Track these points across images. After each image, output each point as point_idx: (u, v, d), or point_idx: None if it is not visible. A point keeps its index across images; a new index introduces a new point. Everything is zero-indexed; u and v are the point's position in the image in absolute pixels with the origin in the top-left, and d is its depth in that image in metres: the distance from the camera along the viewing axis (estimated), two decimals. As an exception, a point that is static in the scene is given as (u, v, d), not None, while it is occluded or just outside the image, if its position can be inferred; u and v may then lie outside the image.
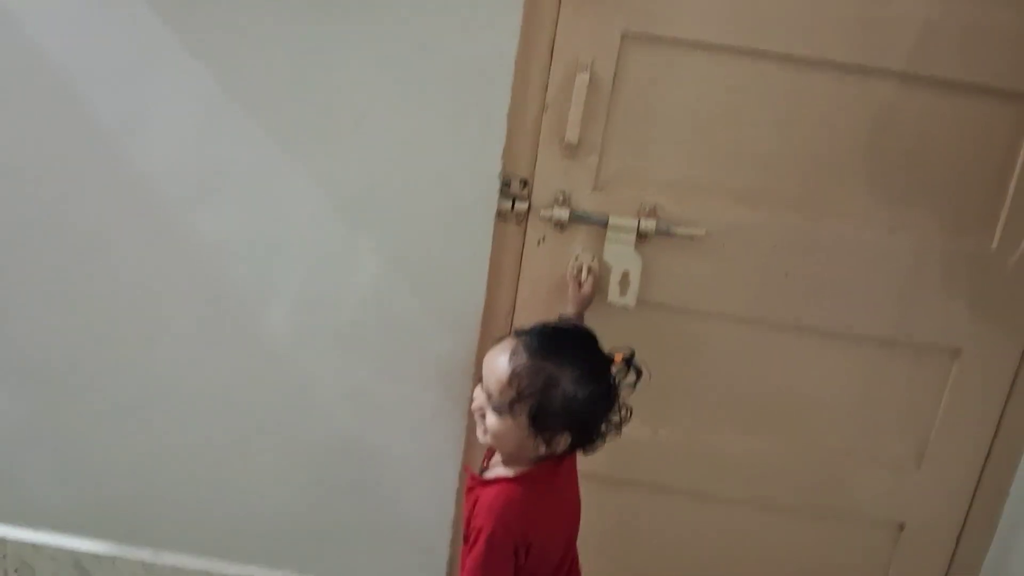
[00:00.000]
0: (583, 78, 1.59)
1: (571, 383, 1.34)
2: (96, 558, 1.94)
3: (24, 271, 1.76)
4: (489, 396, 1.39)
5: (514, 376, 1.35)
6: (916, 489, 1.83)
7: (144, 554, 1.94)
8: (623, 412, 1.40)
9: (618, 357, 1.40)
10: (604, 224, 1.68)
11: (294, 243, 1.71)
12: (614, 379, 1.39)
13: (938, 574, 1.88)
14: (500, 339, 1.45)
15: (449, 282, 1.72)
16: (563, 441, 1.38)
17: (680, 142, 1.66)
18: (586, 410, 1.35)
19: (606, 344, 1.50)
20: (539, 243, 1.72)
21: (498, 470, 1.46)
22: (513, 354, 1.37)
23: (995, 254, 1.66)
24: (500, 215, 1.69)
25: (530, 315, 1.76)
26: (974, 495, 1.82)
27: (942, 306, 1.70)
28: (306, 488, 1.89)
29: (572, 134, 1.62)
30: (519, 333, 1.42)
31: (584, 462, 1.51)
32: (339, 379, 1.81)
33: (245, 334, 1.78)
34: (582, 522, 1.53)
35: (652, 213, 1.68)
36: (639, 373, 1.40)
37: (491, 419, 1.38)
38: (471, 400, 1.49)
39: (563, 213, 1.67)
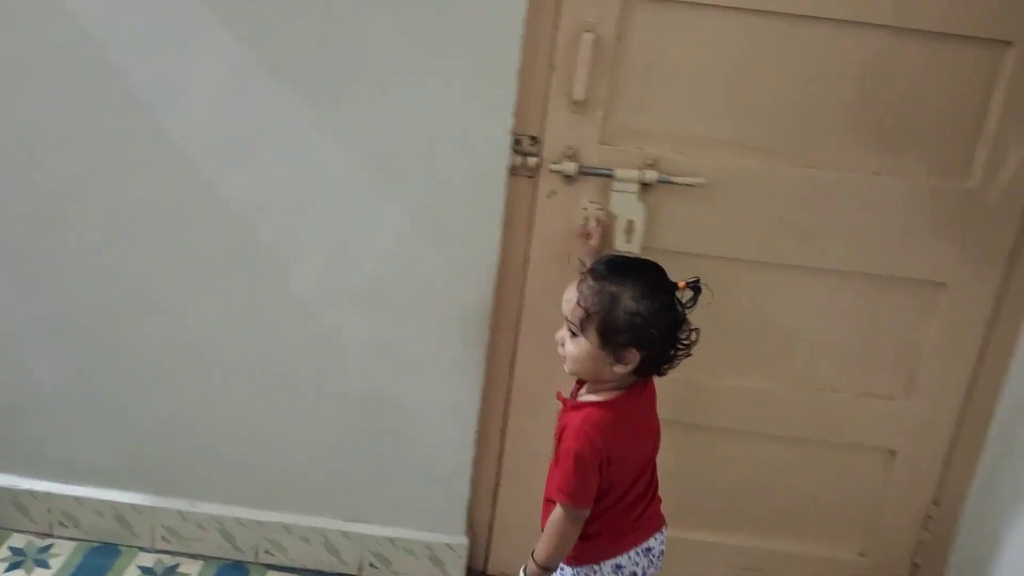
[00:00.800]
0: (589, 38, 1.70)
1: (631, 299, 1.46)
2: (136, 509, 2.05)
3: (63, 237, 1.86)
4: (566, 322, 1.52)
5: (582, 297, 1.48)
6: (906, 417, 1.96)
7: (181, 503, 2.05)
8: (691, 333, 1.52)
9: (682, 284, 1.51)
10: (610, 176, 1.79)
11: (322, 202, 1.81)
12: (679, 300, 1.51)
13: (929, 496, 2.02)
14: None
15: (466, 236, 1.83)
16: (632, 357, 1.48)
17: (681, 97, 1.77)
18: (649, 324, 1.46)
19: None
20: (549, 196, 1.83)
21: (587, 396, 1.58)
22: (582, 281, 1.51)
23: (975, 191, 1.78)
24: (512, 170, 1.80)
25: (543, 266, 1.88)
26: (961, 420, 1.95)
27: (927, 243, 1.82)
28: (336, 438, 2.00)
29: (579, 91, 1.73)
30: (587, 268, 1.55)
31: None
32: (365, 333, 1.91)
33: (277, 292, 1.88)
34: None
35: (654, 165, 1.79)
36: (698, 291, 1.51)
37: (569, 345, 1.52)
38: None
39: (571, 167, 1.78)
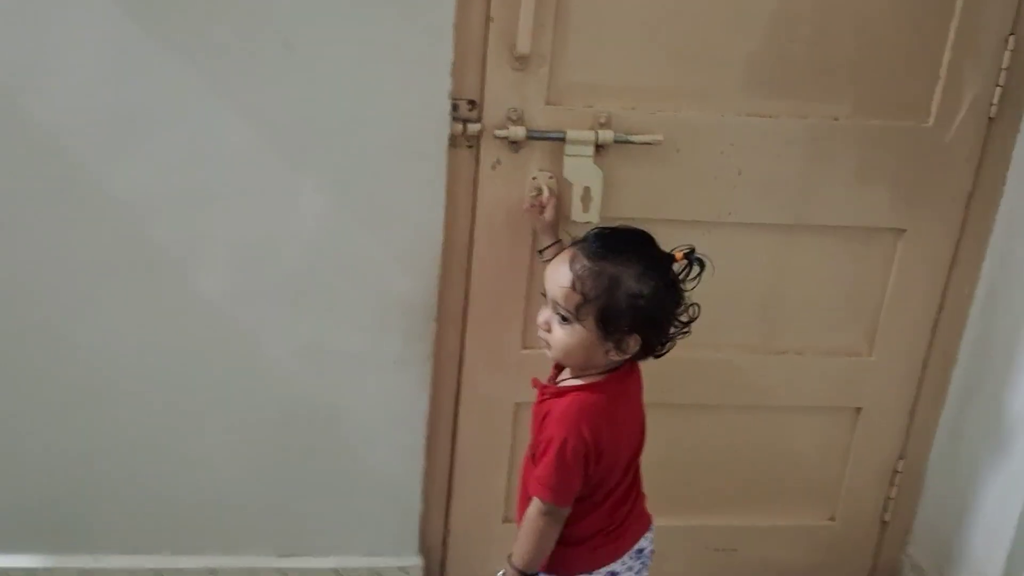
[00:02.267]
0: (531, -17, 1.52)
1: (634, 280, 1.30)
2: (29, 574, 1.73)
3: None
4: (554, 307, 1.34)
5: (577, 280, 1.30)
6: (870, 372, 1.89)
7: (84, 560, 1.74)
8: (691, 309, 1.37)
9: (679, 255, 1.36)
10: (560, 139, 1.61)
11: (227, 189, 1.56)
12: (677, 276, 1.36)
13: (896, 452, 1.96)
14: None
15: (403, 217, 1.62)
16: (633, 343, 1.33)
17: (629, 47, 1.61)
18: (652, 307, 1.31)
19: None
20: (494, 166, 1.64)
21: (569, 381, 1.40)
22: (573, 260, 1.33)
23: (932, 131, 1.71)
24: (450, 140, 1.59)
25: (489, 245, 1.69)
26: (924, 370, 1.90)
27: (886, 189, 1.74)
28: (263, 461, 1.75)
29: (523, 44, 1.54)
30: (576, 241, 1.38)
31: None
32: (288, 335, 1.67)
33: (180, 298, 1.61)
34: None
35: (607, 124, 1.63)
36: (702, 265, 1.36)
37: (558, 331, 1.34)
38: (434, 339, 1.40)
39: (519, 132, 1.59)
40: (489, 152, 1.63)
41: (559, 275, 1.33)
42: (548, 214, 1.61)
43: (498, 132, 1.60)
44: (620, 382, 1.39)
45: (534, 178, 1.64)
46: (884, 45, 1.66)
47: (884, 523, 2.02)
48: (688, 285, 1.36)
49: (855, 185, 1.73)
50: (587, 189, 1.63)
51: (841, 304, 1.84)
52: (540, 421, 1.40)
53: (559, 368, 1.46)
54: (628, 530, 1.47)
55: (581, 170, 1.63)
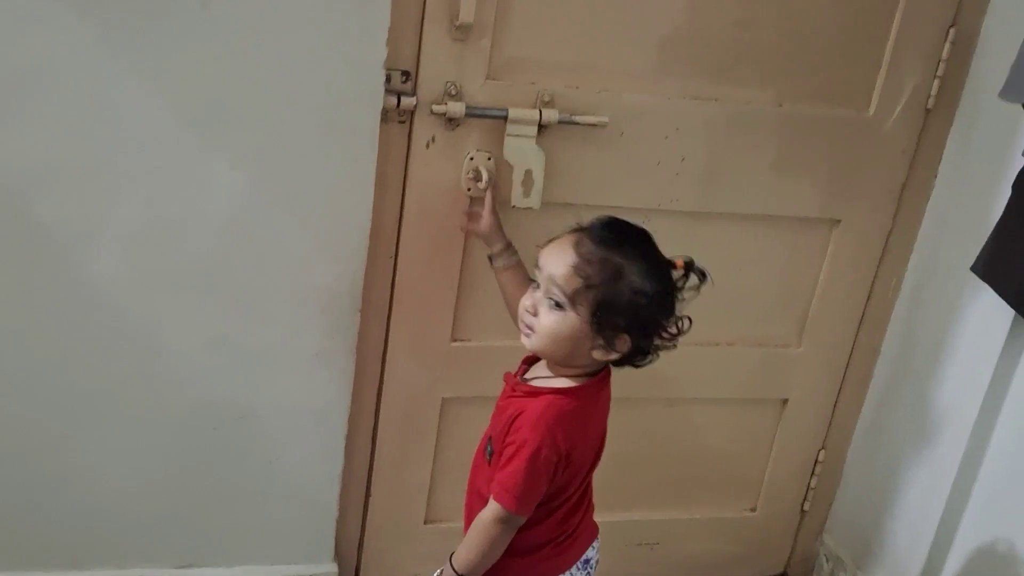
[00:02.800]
0: (475, -54, 1.38)
1: (638, 276, 1.21)
2: None
3: None
4: (547, 290, 1.22)
5: (581, 263, 1.20)
6: (798, 363, 1.86)
7: (-50, 585, 1.53)
8: (681, 322, 1.28)
9: (679, 262, 1.27)
10: (502, 118, 1.49)
11: (127, 164, 1.37)
12: (675, 283, 1.27)
13: (819, 443, 1.95)
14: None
15: (327, 198, 1.47)
16: (622, 344, 1.24)
17: (572, 20, 1.50)
18: (650, 308, 1.23)
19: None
20: (428, 145, 1.50)
21: (544, 379, 1.29)
22: (578, 243, 1.22)
23: (871, 120, 1.68)
24: (381, 115, 1.45)
25: (419, 229, 1.56)
26: (848, 362, 1.89)
27: (825, 179, 1.71)
28: (163, 465, 1.57)
29: (467, 12, 1.41)
30: (580, 227, 1.26)
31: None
32: (194, 328, 1.49)
33: (69, 288, 1.41)
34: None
35: (551, 102, 1.52)
36: (703, 276, 1.29)
37: (546, 317, 1.23)
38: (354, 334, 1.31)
39: (458, 108, 1.46)
40: (423, 129, 1.49)
41: (561, 255, 1.22)
42: (484, 223, 1.47)
43: (435, 108, 1.46)
44: (596, 390, 1.30)
45: (471, 158, 1.52)
46: (829, 32, 1.61)
47: (803, 513, 2.02)
48: (686, 295, 1.28)
49: (795, 174, 1.69)
50: (528, 172, 1.52)
51: (773, 295, 1.81)
52: (507, 419, 1.29)
53: (528, 363, 1.36)
54: (577, 541, 1.39)
55: (523, 152, 1.51)
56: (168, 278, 1.45)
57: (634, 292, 1.21)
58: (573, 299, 1.21)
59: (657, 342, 1.27)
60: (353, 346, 1.56)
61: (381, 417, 1.68)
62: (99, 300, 1.43)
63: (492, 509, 1.27)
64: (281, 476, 1.63)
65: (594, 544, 1.43)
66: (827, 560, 2.02)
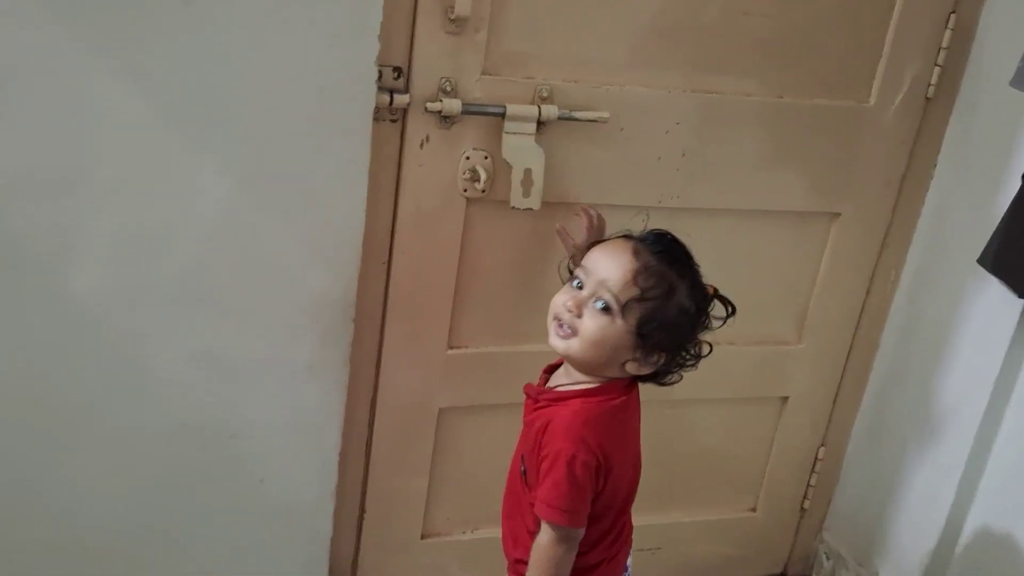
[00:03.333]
0: (471, -66, 1.32)
1: (686, 296, 1.20)
2: None
3: None
4: (597, 293, 1.18)
5: (642, 272, 1.17)
6: (799, 360, 1.83)
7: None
8: (703, 346, 1.26)
9: (710, 288, 1.25)
10: (499, 115, 1.43)
11: (104, 170, 1.28)
12: (709, 307, 1.26)
13: (819, 439, 1.92)
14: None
15: (319, 203, 1.39)
16: (657, 359, 1.21)
17: (573, 12, 1.44)
18: (690, 327, 1.22)
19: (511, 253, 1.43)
20: (422, 144, 1.44)
21: (568, 385, 1.24)
22: (637, 252, 1.19)
23: (872, 111, 1.65)
24: (374, 113, 1.38)
25: (414, 233, 1.49)
26: (848, 357, 1.86)
27: (826, 172, 1.67)
28: (146, 485, 1.48)
29: (463, 4, 1.34)
30: (632, 235, 1.23)
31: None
32: (180, 342, 1.41)
33: (49, 300, 1.32)
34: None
35: (549, 98, 1.46)
36: (732, 308, 1.28)
37: (592, 320, 1.18)
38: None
39: (454, 105, 1.39)
40: (417, 128, 1.43)
41: (619, 260, 1.19)
42: (584, 236, 1.39)
43: (429, 105, 1.39)
44: (625, 393, 1.26)
45: (467, 158, 1.45)
46: (829, 22, 1.57)
47: (803, 511, 1.99)
48: (712, 324, 1.26)
49: (794, 167, 1.65)
50: (528, 172, 1.46)
51: (773, 291, 1.77)
52: (536, 432, 1.24)
53: (549, 372, 1.31)
54: (622, 553, 1.36)
55: (522, 150, 1.45)
56: (153, 290, 1.36)
57: (680, 311, 1.20)
58: (624, 307, 1.17)
59: (685, 362, 1.25)
60: (347, 357, 1.49)
61: (376, 430, 1.61)
62: (80, 314, 1.34)
63: (545, 532, 1.22)
64: (273, 494, 1.55)
65: (631, 552, 1.40)
66: (827, 558, 2.00)
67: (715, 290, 1.26)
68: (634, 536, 1.87)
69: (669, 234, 1.26)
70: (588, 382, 1.23)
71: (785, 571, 2.05)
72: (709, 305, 1.25)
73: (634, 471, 1.31)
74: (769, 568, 2.04)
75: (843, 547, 1.96)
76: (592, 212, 1.41)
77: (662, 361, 1.21)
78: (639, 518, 1.85)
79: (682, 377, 1.27)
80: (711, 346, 1.27)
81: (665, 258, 1.20)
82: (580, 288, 1.20)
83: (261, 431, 1.50)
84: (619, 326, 1.17)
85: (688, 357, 1.25)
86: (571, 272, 1.26)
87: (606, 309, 1.17)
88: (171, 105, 1.27)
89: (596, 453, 1.19)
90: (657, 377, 1.25)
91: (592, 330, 1.18)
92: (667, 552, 1.92)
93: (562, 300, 1.20)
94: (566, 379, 1.25)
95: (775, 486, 1.94)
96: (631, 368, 1.21)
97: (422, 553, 1.73)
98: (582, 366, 1.23)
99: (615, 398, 1.23)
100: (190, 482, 1.50)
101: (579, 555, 1.25)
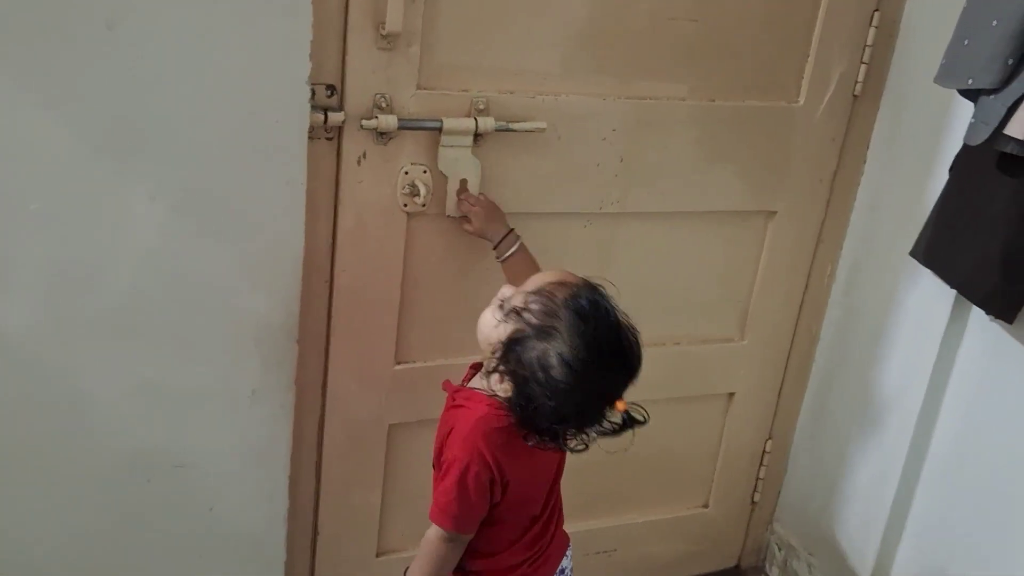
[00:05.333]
0: (399, -50, 1.31)
1: (564, 352, 1.14)
2: None
3: None
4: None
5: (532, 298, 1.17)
6: (743, 356, 1.85)
7: None
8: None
9: (620, 404, 1.23)
10: (436, 129, 1.42)
11: (34, 203, 1.23)
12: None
13: (765, 432, 1.95)
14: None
15: (257, 224, 1.37)
16: (506, 388, 1.20)
17: (502, 22, 1.44)
18: (552, 391, 1.17)
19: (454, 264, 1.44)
20: (359, 161, 1.42)
21: (483, 385, 1.22)
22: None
23: (802, 110, 1.68)
24: (309, 132, 1.36)
25: (355, 250, 1.48)
26: (790, 352, 1.89)
27: (760, 171, 1.70)
28: (98, 521, 1.44)
29: (394, 20, 1.33)
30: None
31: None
32: (122, 375, 1.37)
33: (-26, 340, 1.27)
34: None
35: (486, 110, 1.45)
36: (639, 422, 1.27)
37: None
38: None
39: (390, 121, 1.38)
40: (353, 145, 1.41)
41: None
42: (474, 223, 1.44)
43: (365, 123, 1.38)
44: None
45: (406, 172, 1.44)
46: (757, 24, 1.60)
47: (754, 504, 2.02)
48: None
49: (729, 168, 1.67)
50: (463, 181, 1.46)
51: (715, 290, 1.79)
52: (445, 434, 1.25)
53: (476, 368, 1.31)
54: (551, 557, 1.35)
55: (458, 162, 1.45)
56: (88, 323, 1.32)
57: (538, 365, 1.14)
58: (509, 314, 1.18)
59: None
60: (292, 380, 1.46)
61: (325, 450, 1.59)
62: (12, 351, 1.30)
63: (433, 529, 1.24)
64: (223, 523, 1.52)
65: (567, 553, 1.40)
66: (779, 549, 2.03)
67: (624, 405, 1.21)
68: (589, 540, 1.90)
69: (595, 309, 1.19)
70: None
71: (739, 564, 2.09)
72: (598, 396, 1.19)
73: (540, 487, 1.31)
74: (723, 562, 2.07)
75: (794, 537, 2.00)
76: (475, 204, 1.44)
77: (509, 392, 1.18)
78: (592, 522, 1.88)
79: (587, 446, 1.23)
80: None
81: (547, 312, 1.15)
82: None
83: (208, 459, 1.47)
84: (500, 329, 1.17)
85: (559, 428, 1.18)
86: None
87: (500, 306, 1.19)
88: (99, 133, 1.24)
89: (491, 467, 1.20)
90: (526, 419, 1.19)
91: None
92: (622, 553, 1.93)
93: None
94: (485, 383, 1.23)
95: (725, 481, 1.97)
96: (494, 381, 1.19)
97: (378, 570, 1.71)
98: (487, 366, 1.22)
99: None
100: (139, 515, 1.46)
101: (488, 556, 1.28)
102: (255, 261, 1.38)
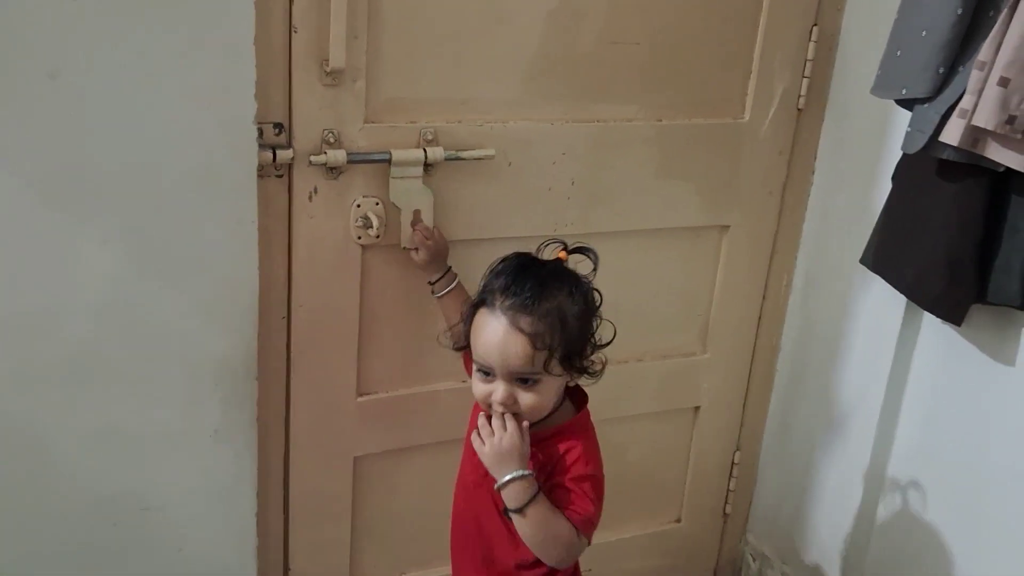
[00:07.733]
0: (339, -12, 1.32)
1: (570, 303, 1.21)
2: None
3: None
4: (512, 377, 1.20)
5: (536, 338, 1.18)
6: (706, 369, 1.87)
7: None
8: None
9: (562, 254, 1.28)
10: (385, 161, 1.44)
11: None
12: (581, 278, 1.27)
13: (732, 443, 1.97)
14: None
15: (210, 265, 1.38)
16: (583, 360, 1.25)
17: (448, 53, 1.46)
18: (589, 316, 1.25)
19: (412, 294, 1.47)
20: (310, 197, 1.43)
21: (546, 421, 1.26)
22: (515, 321, 1.18)
23: (748, 125, 1.71)
24: (258, 170, 1.37)
25: (311, 285, 1.48)
26: (752, 363, 1.91)
27: (710, 187, 1.72)
28: (64, 570, 1.43)
29: (337, 56, 1.35)
30: (486, 300, 1.21)
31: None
32: (82, 420, 1.37)
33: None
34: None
35: (435, 140, 1.47)
36: (588, 252, 1.30)
37: (528, 396, 1.21)
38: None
39: (339, 156, 1.40)
40: (304, 181, 1.42)
41: (510, 343, 1.18)
42: (421, 255, 1.47)
43: (313, 159, 1.39)
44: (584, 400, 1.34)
45: (358, 205, 1.46)
46: (699, 43, 1.63)
47: (726, 516, 2.03)
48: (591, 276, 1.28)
49: (681, 185, 1.70)
50: (416, 212, 1.47)
51: (674, 306, 1.81)
52: (541, 466, 1.26)
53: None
54: None
55: (409, 193, 1.46)
56: (44, 370, 1.32)
57: (578, 318, 1.21)
58: (546, 367, 1.19)
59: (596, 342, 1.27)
60: (253, 418, 1.47)
61: (292, 486, 1.59)
62: (-33, 404, 1.30)
63: (573, 533, 1.24)
64: (193, 563, 1.51)
65: None
66: (753, 559, 2.04)
67: (565, 249, 1.28)
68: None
69: (501, 269, 1.24)
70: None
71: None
72: (581, 275, 1.27)
73: None
74: (700, 575, 2.08)
75: (767, 547, 2.01)
76: (429, 238, 1.46)
77: (588, 354, 1.25)
78: (567, 542, 1.88)
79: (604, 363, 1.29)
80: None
81: (533, 298, 1.19)
82: (491, 375, 1.21)
83: (174, 501, 1.47)
84: (550, 379, 1.21)
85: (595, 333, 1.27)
86: (455, 344, 1.32)
87: (532, 382, 1.20)
88: (46, 181, 1.24)
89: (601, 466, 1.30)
90: (588, 370, 1.27)
91: (533, 402, 1.21)
92: (598, 572, 1.93)
93: (485, 394, 1.21)
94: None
95: (697, 495, 1.98)
96: (572, 384, 1.27)
97: (352, 600, 1.71)
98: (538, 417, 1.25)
99: (584, 416, 1.31)
100: (107, 560, 1.46)
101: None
102: (211, 301, 1.39)
